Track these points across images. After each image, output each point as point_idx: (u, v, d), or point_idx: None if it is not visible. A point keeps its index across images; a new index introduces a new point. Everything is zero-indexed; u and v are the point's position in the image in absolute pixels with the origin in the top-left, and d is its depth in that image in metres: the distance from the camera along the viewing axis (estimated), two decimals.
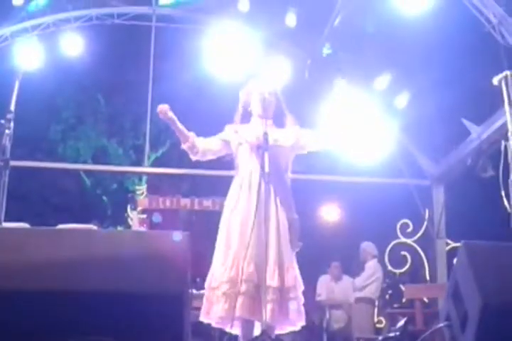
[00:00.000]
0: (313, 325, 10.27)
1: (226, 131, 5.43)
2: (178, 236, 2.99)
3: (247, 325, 4.93)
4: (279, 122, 5.40)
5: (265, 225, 4.85)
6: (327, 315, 10.56)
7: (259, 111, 5.33)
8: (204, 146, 5.38)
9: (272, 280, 4.88)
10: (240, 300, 4.79)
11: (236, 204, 5.13)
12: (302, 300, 5.06)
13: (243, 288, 4.80)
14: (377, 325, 11.06)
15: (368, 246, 10.50)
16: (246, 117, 5.47)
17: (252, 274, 4.81)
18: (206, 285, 5.09)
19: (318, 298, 10.60)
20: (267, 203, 4.93)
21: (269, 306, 4.80)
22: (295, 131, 5.38)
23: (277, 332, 5.10)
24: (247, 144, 5.24)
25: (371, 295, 10.12)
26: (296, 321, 5.04)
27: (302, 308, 5.04)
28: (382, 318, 10.94)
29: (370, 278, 10.17)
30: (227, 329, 5.09)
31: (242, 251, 4.86)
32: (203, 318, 5.06)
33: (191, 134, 5.39)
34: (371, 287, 10.12)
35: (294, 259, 5.13)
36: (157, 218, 2.90)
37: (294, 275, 5.00)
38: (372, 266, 10.28)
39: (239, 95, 5.54)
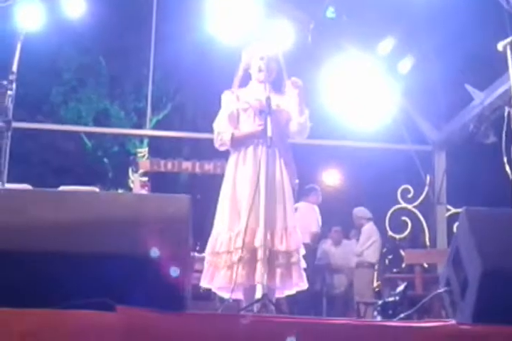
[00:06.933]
0: (313, 289, 10.32)
1: (226, 100, 5.35)
2: (175, 271, 3.00)
3: (251, 290, 4.94)
4: (277, 87, 5.37)
5: (271, 189, 4.86)
6: (327, 280, 10.63)
7: (260, 77, 5.30)
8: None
9: (280, 244, 4.90)
10: (260, 266, 4.78)
11: (241, 169, 5.11)
12: (304, 264, 5.09)
13: (261, 254, 4.79)
14: (377, 290, 11.12)
15: (359, 211, 10.54)
16: (245, 80, 5.44)
17: (268, 240, 4.80)
18: (209, 249, 5.06)
19: (318, 262, 10.64)
20: (272, 167, 4.93)
21: (278, 270, 4.84)
22: (293, 100, 5.32)
23: (276, 295, 5.13)
24: (250, 109, 5.21)
25: (370, 259, 10.16)
26: (297, 285, 5.07)
27: (303, 272, 5.06)
28: (381, 283, 11.00)
29: (367, 242, 10.20)
30: (226, 295, 5.10)
31: (252, 216, 4.84)
32: (206, 284, 5.05)
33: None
34: (369, 251, 10.15)
35: (296, 223, 5.15)
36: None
37: (297, 239, 5.02)
38: (367, 229, 10.32)
39: (241, 55, 5.48)
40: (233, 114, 5.25)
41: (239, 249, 4.84)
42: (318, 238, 9.92)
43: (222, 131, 5.21)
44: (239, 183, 5.07)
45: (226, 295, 5.09)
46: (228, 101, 5.33)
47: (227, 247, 4.92)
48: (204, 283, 5.06)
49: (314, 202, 9.79)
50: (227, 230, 4.97)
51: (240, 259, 4.80)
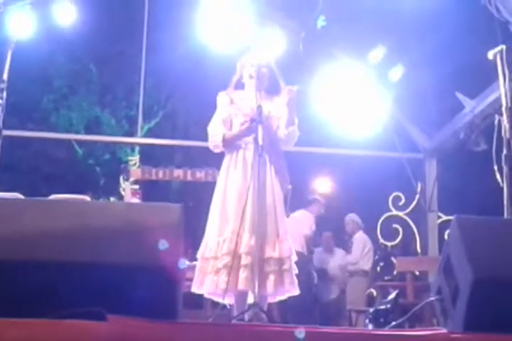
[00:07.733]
0: (305, 296, 10.29)
1: (220, 103, 5.40)
2: (164, 244, 2.99)
3: (242, 296, 4.95)
4: (273, 94, 5.42)
5: (262, 196, 4.87)
6: (319, 287, 10.60)
7: (251, 84, 5.35)
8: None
9: (273, 251, 4.91)
10: (243, 273, 4.80)
11: (232, 176, 5.13)
12: (296, 270, 5.10)
13: (246, 260, 4.81)
14: (373, 296, 11.10)
15: (355, 217, 10.60)
16: (239, 87, 5.48)
17: (253, 246, 4.81)
18: (199, 255, 5.09)
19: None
20: (262, 174, 4.95)
21: (271, 277, 4.86)
22: (284, 106, 5.35)
23: (268, 301, 5.14)
24: (242, 115, 5.25)
25: (364, 267, 10.20)
26: (288, 291, 5.08)
27: (295, 278, 5.08)
28: (373, 290, 10.99)
29: (362, 251, 10.24)
30: (218, 300, 5.11)
31: (240, 223, 4.86)
32: (196, 289, 5.07)
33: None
34: (363, 260, 10.19)
35: (287, 230, 5.16)
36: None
37: (288, 246, 5.04)
38: (360, 238, 10.36)
39: (236, 67, 5.54)
40: (227, 118, 5.32)
41: (225, 255, 4.87)
42: (311, 242, 9.89)
43: (215, 134, 5.28)
44: (229, 189, 5.11)
45: (220, 301, 5.11)
46: (223, 103, 5.40)
47: (215, 253, 4.95)
48: (194, 289, 5.09)
49: (315, 212, 9.82)
50: (216, 236, 5.00)
51: (226, 265, 4.83)
